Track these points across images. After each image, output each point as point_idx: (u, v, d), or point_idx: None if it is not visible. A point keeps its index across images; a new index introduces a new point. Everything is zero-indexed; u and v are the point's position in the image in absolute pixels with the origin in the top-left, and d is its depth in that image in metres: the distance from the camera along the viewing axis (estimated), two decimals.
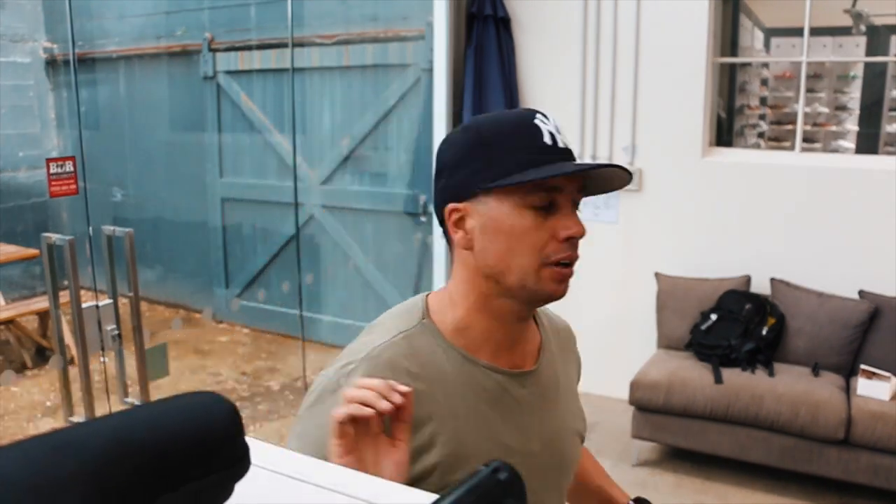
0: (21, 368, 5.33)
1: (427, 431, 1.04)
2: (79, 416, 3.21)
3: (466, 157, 1.08)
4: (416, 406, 0.95)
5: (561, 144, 1.06)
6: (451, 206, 1.09)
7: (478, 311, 1.12)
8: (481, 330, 1.12)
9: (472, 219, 1.08)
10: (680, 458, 4.16)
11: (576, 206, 1.08)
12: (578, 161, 1.07)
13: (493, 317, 1.12)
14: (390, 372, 1.04)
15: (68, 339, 3.84)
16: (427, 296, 1.17)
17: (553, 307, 1.20)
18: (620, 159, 4.68)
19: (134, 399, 3.30)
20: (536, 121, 1.07)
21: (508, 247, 1.06)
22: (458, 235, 1.10)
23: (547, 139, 1.05)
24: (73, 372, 3.11)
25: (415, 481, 1.00)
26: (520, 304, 1.11)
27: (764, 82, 7.82)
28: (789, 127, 7.09)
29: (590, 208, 4.84)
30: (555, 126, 1.08)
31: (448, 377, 1.09)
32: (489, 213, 1.06)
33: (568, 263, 1.09)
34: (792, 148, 4.88)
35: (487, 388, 1.12)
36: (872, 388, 3.72)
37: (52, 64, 6.83)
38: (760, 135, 7.57)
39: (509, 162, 1.04)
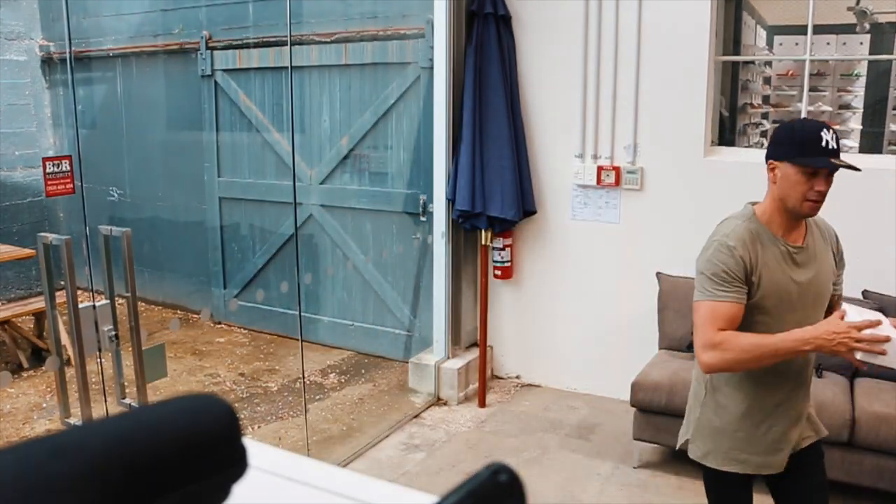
0: (17, 369, 5.32)
1: (757, 273, 2.19)
2: (75, 418, 3.19)
3: (786, 140, 2.20)
4: (752, 260, 2.19)
5: (831, 147, 2.11)
6: (771, 161, 2.21)
7: (776, 213, 2.23)
8: (777, 223, 2.23)
9: (778, 171, 2.18)
10: (681, 460, 4.13)
11: (828, 176, 2.14)
12: (841, 157, 2.14)
13: (782, 217, 2.22)
14: (741, 240, 2.20)
15: (65, 339, 3.82)
16: (754, 205, 2.30)
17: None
18: (621, 158, 4.66)
19: (131, 400, 3.27)
20: (822, 132, 2.13)
21: (792, 191, 2.15)
22: (771, 175, 2.21)
23: (824, 143, 2.11)
24: (70, 373, 3.09)
25: (753, 294, 2.20)
26: (792, 215, 2.20)
27: (767, 81, 7.84)
28: None
29: (591, 209, 4.83)
30: (832, 136, 2.13)
31: (765, 244, 2.22)
32: (785, 171, 2.16)
33: (816, 200, 2.15)
34: None
35: (782, 251, 2.23)
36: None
37: (48, 62, 6.83)
38: (763, 134, 7.57)
39: (805, 151, 2.12)
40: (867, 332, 2.05)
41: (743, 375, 2.32)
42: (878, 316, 2.12)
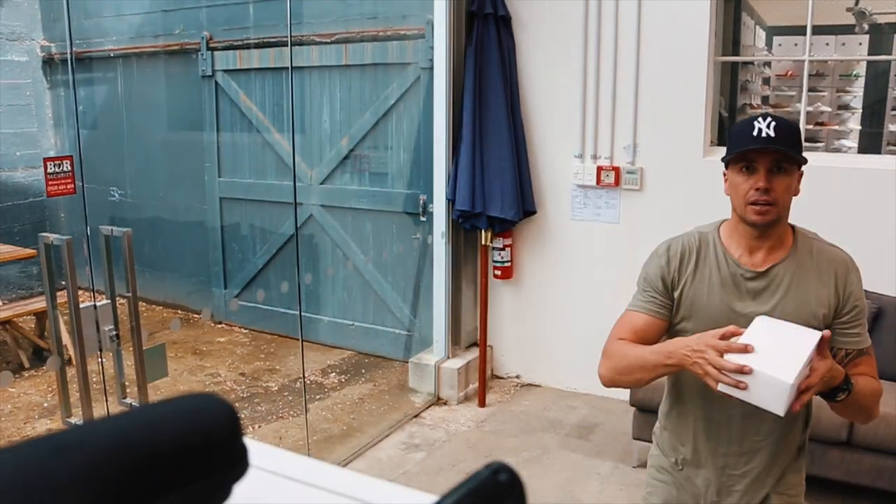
0: (18, 369, 5.32)
1: (679, 289, 1.93)
2: (76, 418, 3.19)
3: (728, 142, 1.90)
4: (677, 272, 1.93)
5: (764, 135, 1.77)
6: (724, 172, 1.93)
7: (735, 229, 1.91)
8: (737, 240, 1.91)
9: (727, 178, 1.90)
10: None
11: (775, 171, 1.79)
12: (776, 145, 1.77)
13: (742, 233, 1.89)
14: (679, 248, 1.95)
15: (66, 339, 3.83)
16: (726, 219, 1.97)
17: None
18: (621, 159, 4.67)
19: (132, 400, 3.28)
20: (755, 122, 1.79)
21: (735, 194, 1.85)
22: (725, 186, 1.91)
23: (755, 132, 1.78)
24: (71, 373, 3.09)
25: (673, 316, 1.95)
26: (748, 229, 1.87)
27: (766, 81, 7.83)
28: None
29: (591, 209, 4.83)
30: (770, 123, 1.78)
31: (707, 260, 1.92)
32: (729, 175, 1.88)
33: (758, 203, 1.80)
34: None
35: (729, 273, 1.90)
36: None
37: (49, 63, 6.83)
38: None
39: (737, 145, 1.82)
40: (731, 357, 1.64)
41: (677, 412, 2.10)
42: (798, 337, 1.70)
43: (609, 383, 1.98)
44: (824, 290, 1.86)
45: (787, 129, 1.80)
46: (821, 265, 1.88)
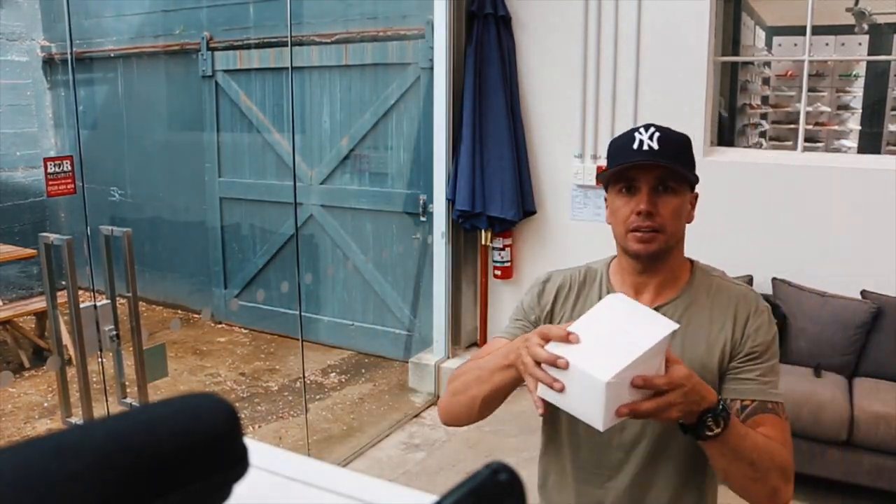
0: (18, 369, 5.32)
1: (557, 320, 1.65)
2: (76, 417, 3.19)
3: (607, 160, 1.61)
4: (552, 307, 1.67)
5: (645, 147, 1.49)
6: (604, 197, 1.63)
7: (619, 263, 1.65)
8: (621, 276, 1.64)
9: (608, 202, 1.60)
10: None
11: (660, 190, 1.50)
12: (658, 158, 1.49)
13: (625, 267, 1.62)
14: (562, 280, 1.69)
15: (66, 339, 3.83)
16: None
17: None
18: None
19: (132, 400, 3.28)
20: (636, 133, 1.52)
21: (615, 220, 1.57)
22: (606, 213, 1.62)
23: (635, 145, 1.50)
24: (71, 372, 3.10)
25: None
26: (631, 261, 1.59)
27: (766, 81, 7.84)
28: (791, 126, 7.10)
29: (591, 209, 4.84)
30: (649, 135, 1.50)
31: (592, 295, 1.65)
32: (609, 199, 1.59)
33: (640, 229, 1.51)
34: (794, 147, 4.88)
35: None
36: None
37: (49, 63, 6.83)
38: (762, 134, 7.58)
39: (615, 162, 1.54)
40: (551, 347, 1.26)
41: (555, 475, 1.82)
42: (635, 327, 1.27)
43: (444, 415, 1.63)
44: (721, 334, 1.53)
45: (675, 141, 1.52)
46: (718, 304, 1.56)
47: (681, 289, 1.59)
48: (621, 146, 1.53)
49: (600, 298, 1.55)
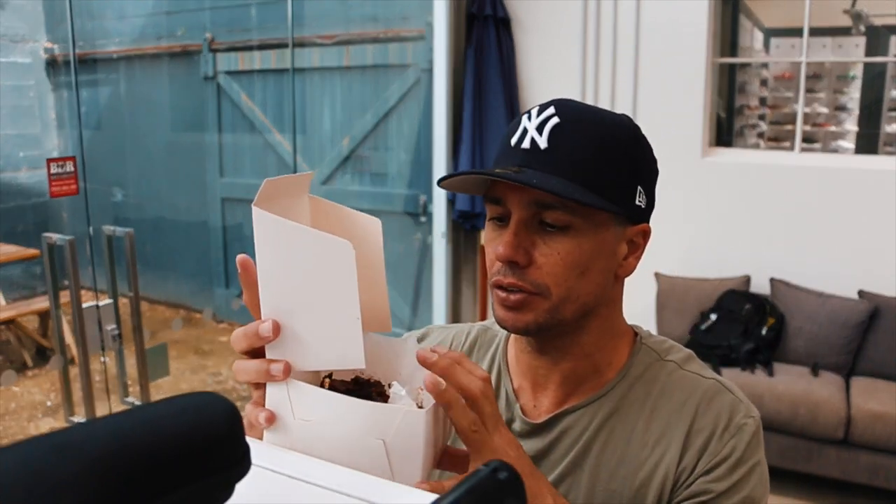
0: (21, 368, 5.33)
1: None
2: (79, 416, 3.21)
3: None
4: None
5: (525, 145, 0.91)
6: None
7: (512, 338, 1.09)
8: (516, 355, 1.06)
9: None
10: None
11: (545, 225, 0.89)
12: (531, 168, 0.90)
13: (519, 346, 1.05)
14: (442, 338, 1.15)
15: (69, 338, 3.85)
16: None
17: None
18: None
19: (134, 399, 3.30)
20: (524, 116, 0.94)
21: (488, 264, 0.97)
22: None
23: (514, 139, 0.93)
24: (74, 372, 3.12)
25: None
26: (525, 342, 1.02)
27: (763, 82, 7.81)
28: (789, 127, 7.09)
29: None
30: (540, 122, 0.92)
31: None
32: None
33: (504, 287, 0.92)
34: (792, 148, 4.89)
35: (503, 412, 1.02)
36: None
37: (52, 64, 6.83)
38: (760, 135, 7.57)
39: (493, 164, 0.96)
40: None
41: None
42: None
43: None
44: (660, 463, 0.92)
45: (587, 134, 0.91)
46: (664, 411, 0.95)
47: (606, 385, 0.98)
48: (504, 136, 0.98)
49: (500, 391, 1.05)
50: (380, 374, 0.83)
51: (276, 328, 0.73)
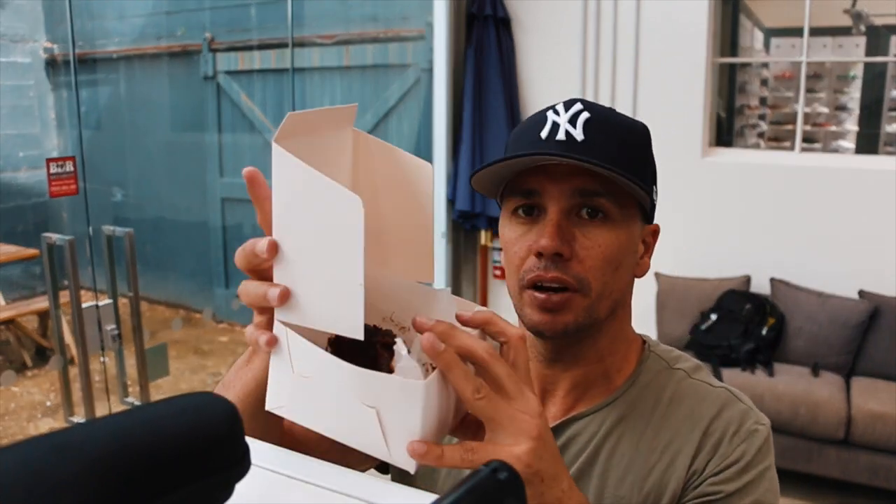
0: (21, 368, 5.33)
1: None
2: (79, 416, 3.21)
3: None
4: None
5: (560, 137, 0.88)
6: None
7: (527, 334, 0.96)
8: (532, 356, 0.99)
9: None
10: None
11: (583, 214, 0.89)
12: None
13: (533, 348, 0.97)
14: None
15: (68, 338, 3.85)
16: None
17: None
18: None
19: (134, 399, 3.30)
20: (549, 112, 0.91)
21: (506, 264, 0.94)
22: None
23: (544, 132, 0.89)
24: (73, 372, 3.12)
25: None
26: (536, 340, 0.95)
27: (764, 82, 7.81)
28: (789, 127, 7.08)
29: None
30: (571, 116, 0.89)
31: None
32: (500, 226, 0.97)
33: (542, 286, 0.87)
34: (792, 148, 4.88)
35: None
36: None
37: (52, 64, 6.83)
38: (760, 135, 7.57)
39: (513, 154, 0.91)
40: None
41: None
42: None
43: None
44: (669, 470, 0.91)
45: (616, 129, 0.93)
46: (673, 420, 0.94)
47: (615, 391, 0.96)
48: (524, 133, 0.94)
49: None
50: (408, 322, 0.76)
51: (273, 248, 0.67)
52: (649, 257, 0.99)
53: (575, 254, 0.87)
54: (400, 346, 0.66)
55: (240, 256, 0.72)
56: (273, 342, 0.67)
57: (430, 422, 0.65)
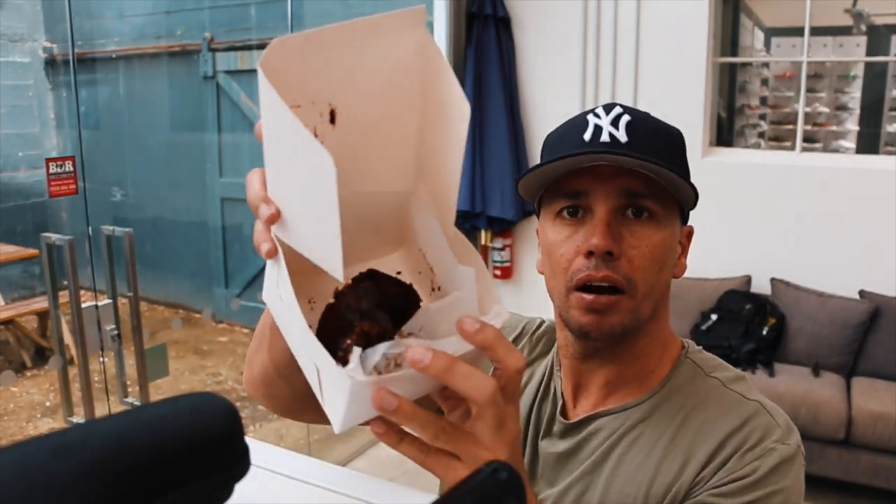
0: (20, 368, 5.33)
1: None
2: (78, 417, 3.21)
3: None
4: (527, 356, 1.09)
5: (604, 139, 0.89)
6: (536, 226, 1.01)
7: (561, 333, 1.01)
8: (563, 356, 1.03)
9: (540, 234, 0.99)
10: None
11: (629, 214, 0.90)
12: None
13: (567, 346, 1.00)
14: (518, 327, 1.16)
15: (68, 339, 3.85)
16: None
17: None
18: None
19: (133, 399, 3.30)
20: (589, 116, 0.92)
21: (549, 267, 0.95)
22: (538, 256, 1.01)
23: (587, 135, 0.90)
24: (73, 372, 3.11)
25: None
26: (574, 339, 0.96)
27: (764, 82, 7.82)
28: (790, 127, 7.09)
29: None
30: (612, 119, 0.90)
31: (541, 368, 1.09)
32: (541, 228, 0.98)
33: (591, 287, 0.88)
34: (792, 148, 4.88)
35: (549, 409, 1.03)
36: None
37: (51, 64, 6.84)
38: (761, 135, 7.58)
39: (553, 156, 0.91)
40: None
41: None
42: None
43: (248, 385, 0.99)
44: (680, 475, 0.88)
45: (657, 132, 0.94)
46: (692, 425, 0.91)
47: (646, 392, 0.96)
48: (563, 136, 0.95)
49: (544, 378, 1.07)
50: (422, 290, 0.72)
51: (275, 216, 0.65)
52: (685, 258, 1.01)
53: (623, 252, 0.88)
54: (356, 354, 0.60)
55: (250, 181, 0.69)
56: (272, 255, 0.65)
57: (359, 411, 0.60)
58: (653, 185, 0.89)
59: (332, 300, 0.66)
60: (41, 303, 5.51)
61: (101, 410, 3.19)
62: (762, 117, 7.57)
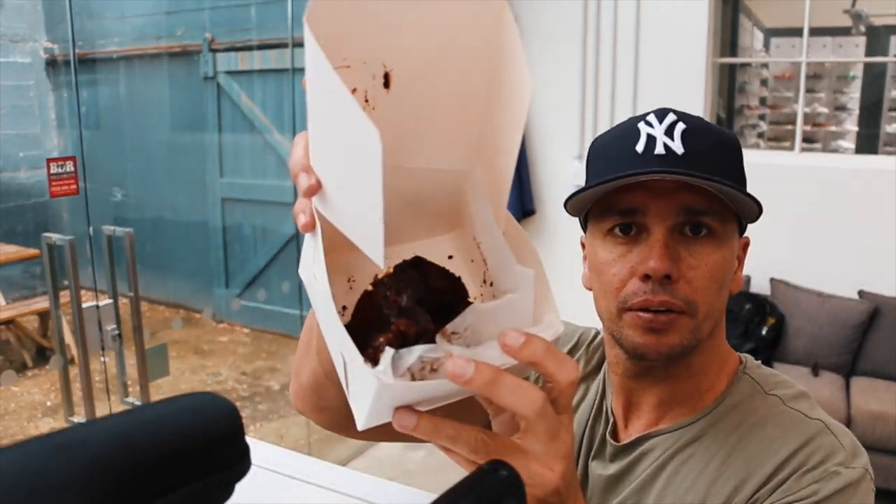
0: (21, 368, 5.33)
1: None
2: (79, 416, 3.21)
3: (588, 172, 0.95)
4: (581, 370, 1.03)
5: (658, 150, 0.84)
6: (581, 238, 0.96)
7: (611, 351, 0.96)
8: (614, 374, 0.97)
9: (588, 249, 0.95)
10: None
11: (687, 232, 0.85)
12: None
13: (620, 365, 0.94)
14: (574, 337, 1.12)
15: (68, 338, 3.85)
16: None
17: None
18: None
19: (134, 399, 3.30)
20: (640, 124, 0.88)
21: (598, 286, 0.91)
22: (584, 271, 0.97)
23: (640, 146, 0.85)
24: (74, 372, 3.11)
25: None
26: (626, 358, 0.91)
27: (764, 82, 7.82)
28: (789, 127, 7.09)
29: None
30: (667, 128, 0.86)
31: (595, 387, 1.03)
32: (589, 245, 0.94)
33: (648, 309, 0.83)
34: (792, 148, 4.88)
35: (601, 429, 0.98)
36: None
37: (52, 64, 6.83)
38: (760, 135, 7.57)
39: (592, 180, 0.88)
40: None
41: None
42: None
43: (296, 398, 0.86)
44: (737, 486, 0.82)
45: (713, 140, 0.88)
46: (748, 446, 0.85)
47: (701, 410, 0.90)
48: (612, 146, 0.92)
49: (596, 400, 1.01)
50: (473, 281, 0.67)
51: (315, 187, 0.58)
52: (741, 271, 0.95)
53: (682, 274, 0.83)
54: (387, 354, 0.54)
55: (295, 148, 0.62)
56: (309, 228, 0.60)
57: (385, 411, 0.56)
58: (712, 201, 0.84)
59: (370, 286, 0.61)
60: (42, 303, 5.52)
61: (101, 410, 3.19)
62: (761, 118, 7.57)
